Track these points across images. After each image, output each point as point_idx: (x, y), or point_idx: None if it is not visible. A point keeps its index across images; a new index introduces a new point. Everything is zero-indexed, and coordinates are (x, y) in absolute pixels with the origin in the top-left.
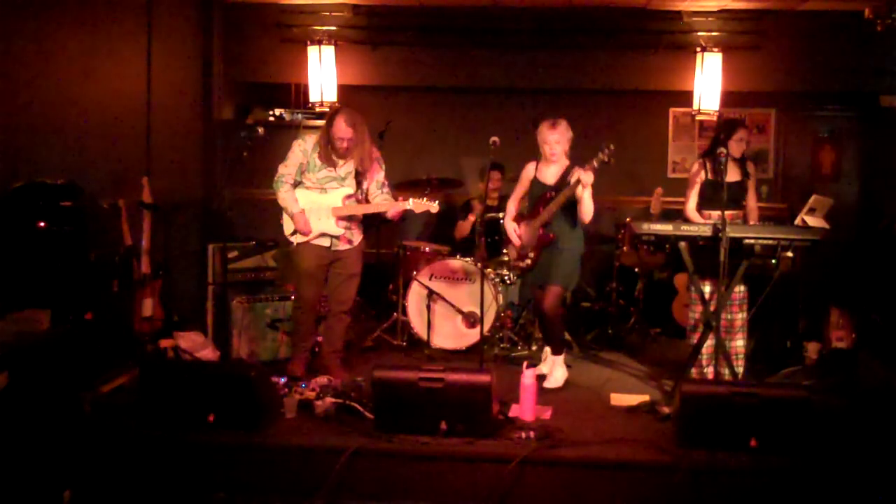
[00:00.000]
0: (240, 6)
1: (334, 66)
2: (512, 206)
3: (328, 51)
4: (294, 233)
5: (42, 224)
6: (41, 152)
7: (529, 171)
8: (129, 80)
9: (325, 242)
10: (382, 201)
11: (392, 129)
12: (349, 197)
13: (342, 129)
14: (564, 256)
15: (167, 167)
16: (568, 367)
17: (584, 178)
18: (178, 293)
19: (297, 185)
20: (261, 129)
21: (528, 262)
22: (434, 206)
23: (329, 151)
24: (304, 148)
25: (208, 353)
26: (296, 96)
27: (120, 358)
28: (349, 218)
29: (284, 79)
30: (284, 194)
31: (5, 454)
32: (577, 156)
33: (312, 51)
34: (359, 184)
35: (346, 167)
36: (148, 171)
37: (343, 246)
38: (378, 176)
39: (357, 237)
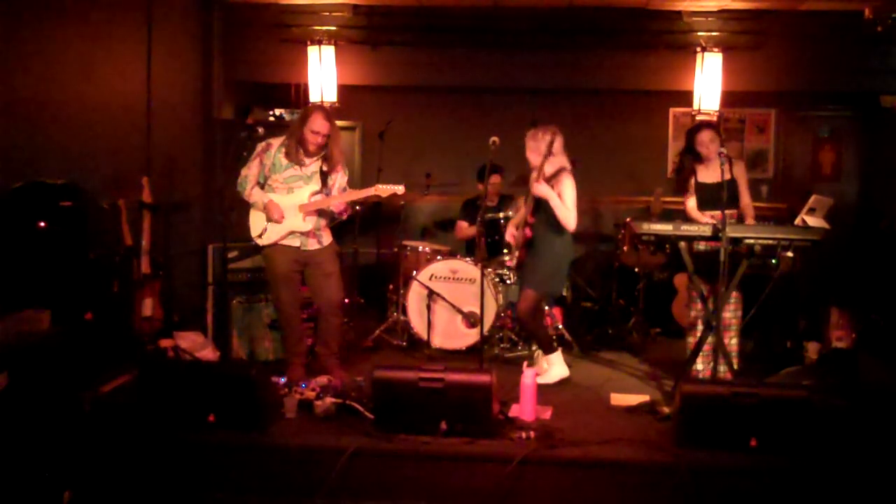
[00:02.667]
0: (240, 6)
1: (334, 66)
2: (522, 209)
3: (328, 51)
4: (261, 234)
5: (42, 224)
6: (41, 152)
7: (534, 175)
8: (129, 80)
9: (296, 242)
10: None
11: (392, 129)
12: (315, 194)
13: (319, 123)
14: (540, 261)
15: (167, 167)
16: (568, 366)
17: (534, 191)
18: (178, 293)
19: (262, 187)
20: (261, 129)
21: (515, 260)
22: (400, 189)
23: (297, 149)
24: (269, 150)
25: (208, 353)
26: (296, 96)
27: (120, 358)
28: (318, 213)
29: (284, 79)
30: (252, 191)
31: (5, 454)
32: (576, 155)
33: (312, 51)
34: (324, 182)
35: (312, 166)
36: (148, 171)
37: (313, 246)
38: (341, 181)
39: (326, 238)
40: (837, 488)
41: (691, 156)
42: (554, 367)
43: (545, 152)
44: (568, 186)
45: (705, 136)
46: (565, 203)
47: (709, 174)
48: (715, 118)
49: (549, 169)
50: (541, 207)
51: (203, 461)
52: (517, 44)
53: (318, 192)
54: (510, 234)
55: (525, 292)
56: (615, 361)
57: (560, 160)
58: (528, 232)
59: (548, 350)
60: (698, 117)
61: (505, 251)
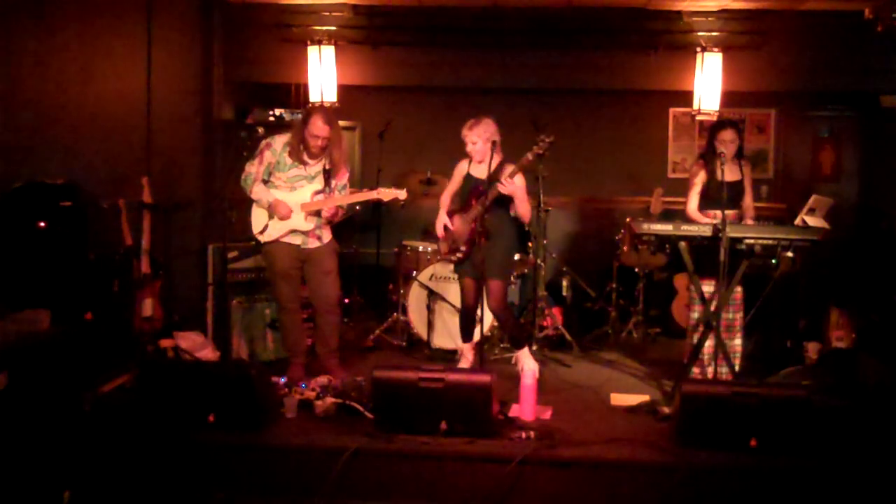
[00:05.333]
0: (240, 6)
1: (334, 66)
2: (445, 200)
3: (328, 51)
4: (262, 230)
5: (42, 224)
6: (41, 152)
7: (462, 167)
8: (129, 80)
9: (297, 240)
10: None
11: (392, 129)
12: (317, 193)
13: (319, 126)
14: (496, 249)
15: (167, 167)
16: (568, 366)
17: (502, 189)
18: (178, 293)
19: (265, 184)
20: (261, 129)
21: (460, 255)
22: (402, 194)
23: (301, 150)
24: (273, 147)
25: (208, 353)
26: (296, 96)
27: (120, 358)
28: (317, 213)
29: (284, 79)
30: (256, 188)
31: (5, 454)
32: (576, 155)
33: (312, 51)
34: (327, 182)
35: (316, 166)
36: (148, 171)
37: (313, 244)
38: (343, 180)
39: (326, 236)
40: (837, 488)
41: (710, 154)
42: (526, 361)
43: (527, 162)
44: (520, 178)
45: (727, 136)
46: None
47: (723, 173)
48: (715, 118)
49: (495, 161)
50: (499, 201)
51: (203, 461)
52: (517, 44)
53: (321, 192)
54: (441, 225)
55: (490, 283)
56: (615, 361)
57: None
58: (481, 227)
59: (519, 343)
60: (698, 117)
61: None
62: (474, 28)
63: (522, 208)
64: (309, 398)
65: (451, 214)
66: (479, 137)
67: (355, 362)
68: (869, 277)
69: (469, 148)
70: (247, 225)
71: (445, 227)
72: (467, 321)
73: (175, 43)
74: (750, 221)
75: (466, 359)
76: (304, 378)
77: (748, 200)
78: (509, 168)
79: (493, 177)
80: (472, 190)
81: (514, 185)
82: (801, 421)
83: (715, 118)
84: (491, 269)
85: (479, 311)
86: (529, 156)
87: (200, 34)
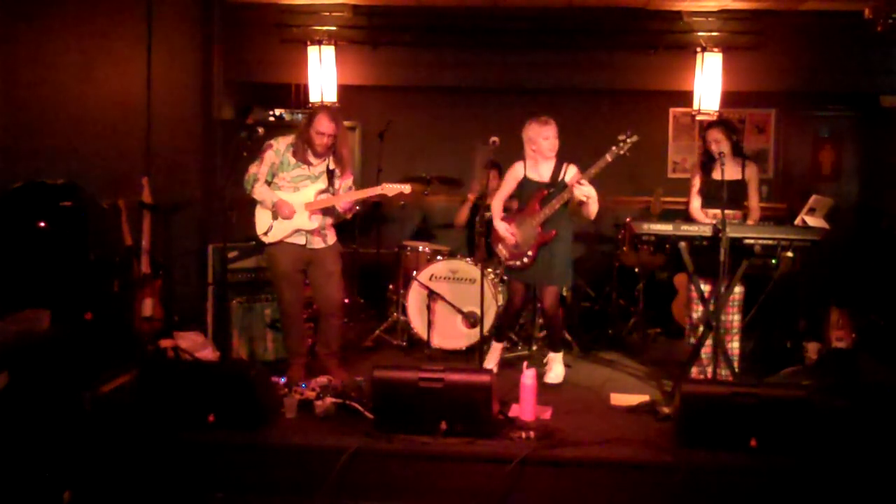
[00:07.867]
0: (240, 6)
1: (334, 66)
2: (498, 206)
3: (328, 51)
4: (266, 231)
5: (42, 224)
6: (41, 152)
7: (518, 170)
8: (129, 80)
9: (301, 240)
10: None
11: (392, 129)
12: (321, 192)
13: (325, 124)
14: (560, 255)
15: (167, 167)
16: (567, 367)
17: (577, 191)
18: (178, 293)
19: (269, 185)
20: (261, 129)
21: (527, 260)
22: (406, 188)
23: (306, 150)
24: (276, 148)
25: (208, 353)
26: (296, 96)
27: (120, 358)
28: (323, 212)
29: (284, 79)
30: (259, 188)
31: (5, 454)
32: (575, 156)
33: (312, 51)
34: (331, 181)
35: (320, 166)
36: (148, 171)
37: (318, 244)
38: (347, 181)
39: (331, 237)
40: (837, 488)
41: (705, 154)
42: (557, 366)
43: (606, 162)
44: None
45: (710, 136)
46: None
47: (723, 172)
48: (715, 118)
49: (552, 163)
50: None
51: (203, 461)
52: (517, 44)
53: (325, 191)
54: (505, 229)
55: (549, 289)
56: (615, 361)
57: None
58: (552, 232)
59: (559, 347)
60: (698, 117)
61: (496, 250)
62: (474, 28)
63: (595, 208)
64: (309, 398)
65: (507, 219)
66: (556, 133)
67: (355, 362)
68: (869, 277)
69: (545, 145)
70: (247, 225)
71: (508, 232)
72: (509, 323)
73: (175, 43)
74: (752, 223)
75: (494, 358)
76: (304, 378)
77: (753, 202)
78: (572, 168)
79: (556, 178)
80: (535, 193)
81: (587, 189)
82: (801, 421)
83: (715, 118)
84: (554, 275)
85: (481, 310)
86: (608, 157)
87: (200, 34)
